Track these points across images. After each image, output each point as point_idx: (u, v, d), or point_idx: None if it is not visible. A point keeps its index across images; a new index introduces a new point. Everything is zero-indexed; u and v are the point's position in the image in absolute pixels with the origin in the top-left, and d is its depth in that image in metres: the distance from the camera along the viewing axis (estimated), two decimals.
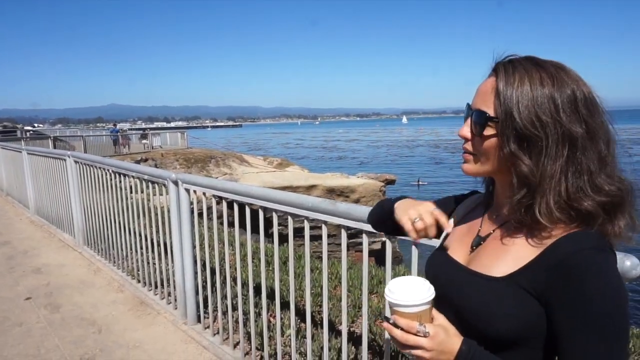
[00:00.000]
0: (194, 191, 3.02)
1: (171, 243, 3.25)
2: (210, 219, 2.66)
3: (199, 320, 3.19)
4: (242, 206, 2.59)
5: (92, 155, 5.13)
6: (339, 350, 2.25)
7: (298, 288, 3.33)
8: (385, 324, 0.84)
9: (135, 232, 3.83)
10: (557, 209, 0.76)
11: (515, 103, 0.77)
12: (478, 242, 0.92)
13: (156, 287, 3.64)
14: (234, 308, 2.88)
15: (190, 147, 26.83)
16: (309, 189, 22.60)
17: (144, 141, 25.88)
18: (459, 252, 0.94)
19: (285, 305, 2.69)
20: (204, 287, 3.10)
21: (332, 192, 22.61)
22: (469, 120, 0.85)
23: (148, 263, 3.71)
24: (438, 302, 0.85)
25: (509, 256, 0.82)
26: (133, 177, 3.68)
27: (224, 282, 3.02)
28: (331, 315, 2.93)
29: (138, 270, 3.88)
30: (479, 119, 0.82)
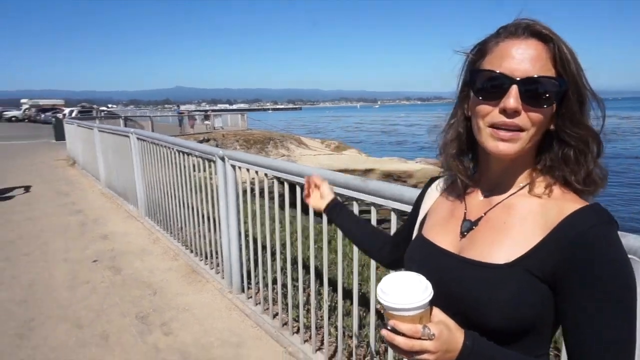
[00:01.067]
0: (239, 167, 3.16)
1: (219, 216, 3.44)
2: (261, 196, 2.78)
3: (242, 290, 3.37)
4: (292, 185, 2.68)
5: (151, 133, 5.47)
6: (367, 326, 2.31)
7: (332, 263, 3.41)
8: (384, 332, 0.72)
9: (189, 206, 4.08)
10: (592, 176, 0.76)
11: (574, 62, 0.73)
12: (469, 227, 0.84)
13: (207, 257, 3.87)
14: (275, 282, 3.01)
15: (249, 129, 27.55)
16: (365, 172, 22.55)
17: (206, 122, 26.93)
18: (445, 239, 0.87)
19: (322, 280, 2.78)
20: (249, 260, 3.27)
21: (389, 177, 22.40)
22: (515, 91, 0.72)
23: (200, 235, 3.95)
24: (435, 296, 0.75)
25: (509, 240, 0.77)
26: (185, 152, 3.91)
27: (273, 256, 3.16)
28: (363, 291, 2.99)
29: (191, 241, 4.15)
30: (548, 86, 0.72)
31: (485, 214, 0.83)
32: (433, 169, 22.58)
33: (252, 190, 2.98)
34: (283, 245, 3.10)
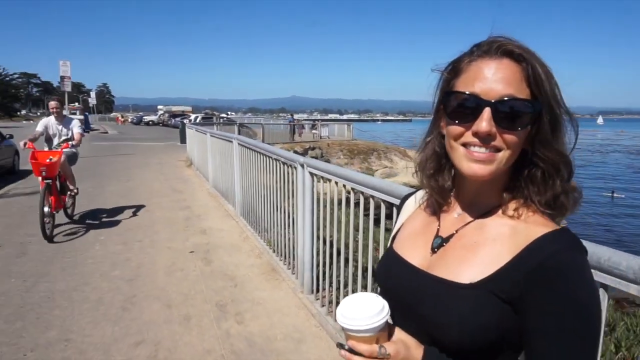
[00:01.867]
0: (317, 175, 3.34)
1: (296, 220, 3.66)
2: (340, 205, 2.92)
3: (312, 291, 3.54)
4: (367, 197, 2.77)
5: (250, 139, 5.94)
6: None
7: None
8: (342, 353, 0.74)
9: (274, 208, 4.38)
10: (560, 199, 0.75)
11: (548, 83, 0.72)
12: (440, 243, 0.83)
13: (285, 258, 4.13)
14: (345, 285, 3.12)
15: (355, 139, 28.00)
16: None
17: (313, 131, 27.98)
18: (414, 255, 0.86)
19: None
20: (320, 264, 3.43)
21: None
22: (488, 114, 0.71)
23: (282, 236, 4.22)
24: (399, 312, 0.81)
25: (477, 259, 0.76)
26: (273, 158, 4.22)
27: (345, 263, 3.28)
28: None
29: (274, 242, 4.44)
30: (521, 109, 0.71)
31: (457, 231, 0.82)
32: None
33: (333, 198, 3.13)
34: (356, 253, 3.20)
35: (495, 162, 0.73)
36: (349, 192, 2.87)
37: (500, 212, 0.79)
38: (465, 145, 0.74)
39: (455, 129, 0.75)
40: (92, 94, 54.20)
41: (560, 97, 0.75)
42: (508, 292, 0.71)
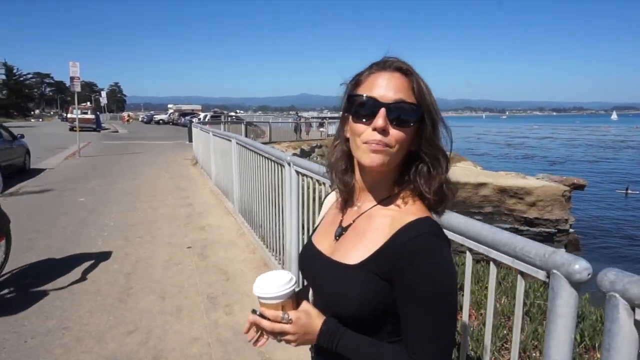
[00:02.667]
0: (302, 174, 3.49)
1: (284, 215, 3.82)
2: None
3: (298, 284, 3.69)
4: None
5: (246, 139, 6.12)
6: None
7: None
8: (251, 317, 0.93)
9: (267, 205, 4.54)
10: (443, 188, 0.91)
11: (428, 93, 0.90)
12: (340, 232, 1.00)
13: (277, 252, 4.29)
14: None
15: None
16: (477, 186, 21.43)
17: (321, 129, 28.12)
18: (324, 243, 1.02)
19: None
20: None
21: (504, 192, 20.98)
22: (383, 113, 0.86)
23: (273, 232, 4.38)
24: (313, 291, 1.03)
25: (362, 244, 0.92)
26: (264, 157, 4.38)
27: None
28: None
29: (267, 238, 4.61)
30: (408, 111, 0.87)
31: (353, 221, 0.98)
32: (556, 187, 20.64)
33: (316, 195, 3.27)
34: None
35: (388, 154, 0.88)
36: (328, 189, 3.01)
37: (387, 202, 0.95)
38: (366, 142, 0.88)
39: (359, 127, 0.89)
40: (103, 94, 54.99)
41: (437, 107, 0.92)
42: (384, 270, 0.87)
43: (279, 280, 0.91)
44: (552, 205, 20.01)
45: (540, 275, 1.28)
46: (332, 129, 28.09)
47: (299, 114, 33.56)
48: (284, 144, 21.64)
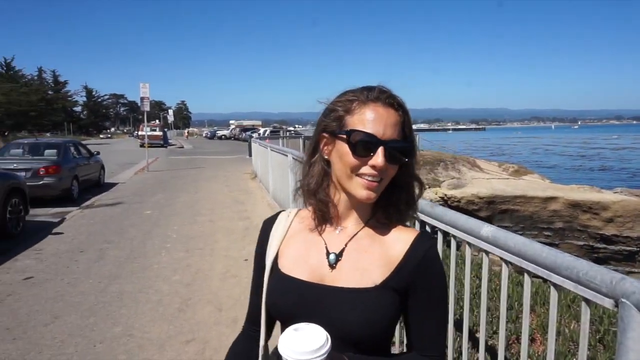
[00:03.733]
0: None
1: None
2: None
3: None
4: None
5: (301, 154, 6.18)
6: None
7: None
8: None
9: None
10: (415, 209, 1.01)
11: (411, 129, 0.95)
12: (335, 259, 0.93)
13: None
14: None
15: (421, 150, 27.54)
16: (546, 200, 20.30)
17: None
18: (308, 273, 0.93)
19: None
20: None
21: (577, 207, 19.68)
22: (383, 152, 0.87)
23: None
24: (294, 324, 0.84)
25: (374, 265, 0.91)
26: None
27: None
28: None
29: None
30: (402, 149, 0.90)
31: (346, 245, 0.94)
32: (636, 202, 19.06)
33: None
34: None
35: (379, 188, 0.91)
36: None
37: (374, 223, 0.98)
38: (359, 175, 0.89)
39: (355, 160, 0.89)
40: (170, 112, 58.25)
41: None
42: (403, 284, 0.91)
43: (315, 343, 0.74)
44: (632, 221, 18.46)
45: (607, 303, 1.16)
46: None
47: None
48: None
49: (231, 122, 63.72)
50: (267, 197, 8.92)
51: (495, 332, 2.82)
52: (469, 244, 1.86)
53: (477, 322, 2.55)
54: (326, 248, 0.95)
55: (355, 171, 0.89)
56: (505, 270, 1.64)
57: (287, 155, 6.32)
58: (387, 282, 0.90)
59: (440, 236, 2.11)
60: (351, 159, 0.89)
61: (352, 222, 0.97)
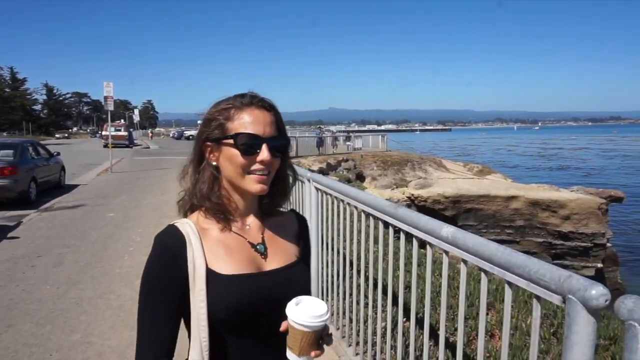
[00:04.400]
0: (322, 191, 3.48)
1: None
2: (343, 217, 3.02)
3: None
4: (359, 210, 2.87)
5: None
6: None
7: (407, 287, 3.47)
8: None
9: None
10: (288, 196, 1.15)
11: (284, 127, 1.09)
12: (263, 248, 1.04)
13: None
14: (350, 295, 3.22)
15: (389, 150, 27.94)
16: (508, 199, 20.98)
17: (347, 143, 28.14)
18: (249, 267, 1.00)
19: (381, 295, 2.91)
20: (326, 274, 3.55)
21: (536, 205, 20.45)
22: (266, 147, 0.97)
23: None
24: (260, 316, 0.97)
25: (287, 244, 1.11)
26: None
27: (354, 274, 3.38)
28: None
29: None
30: (285, 143, 1.05)
31: (263, 235, 1.08)
32: (591, 200, 19.93)
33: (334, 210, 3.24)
34: (360, 261, 3.27)
35: (268, 179, 1.03)
36: (345, 206, 2.99)
37: (266, 212, 1.11)
38: (251, 172, 1.00)
39: (244, 161, 0.99)
40: (136, 111, 56.82)
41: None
42: (303, 250, 1.14)
43: (318, 309, 0.92)
44: (587, 218, 19.34)
45: (556, 299, 1.21)
46: (358, 143, 28.14)
47: (321, 128, 33.68)
48: (310, 158, 21.78)
49: (199, 122, 62.65)
50: None
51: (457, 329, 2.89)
52: (430, 245, 1.89)
53: (441, 319, 2.61)
54: (249, 242, 1.05)
55: (246, 169, 0.99)
56: (463, 269, 1.69)
57: None
58: (300, 253, 1.12)
59: (402, 237, 2.15)
60: (241, 160, 0.98)
61: (252, 215, 1.08)
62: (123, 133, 32.87)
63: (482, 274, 1.55)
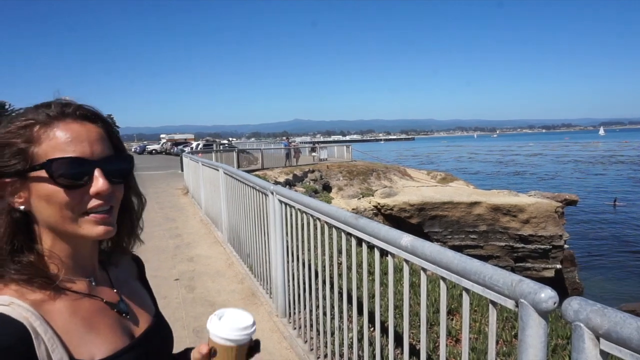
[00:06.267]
0: (285, 204, 3.48)
1: (269, 244, 3.79)
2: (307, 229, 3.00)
3: (285, 315, 3.63)
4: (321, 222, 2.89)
5: (232, 168, 6.09)
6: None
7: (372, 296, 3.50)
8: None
9: (254, 234, 4.50)
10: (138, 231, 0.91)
11: (119, 140, 0.82)
12: (124, 308, 0.83)
13: (264, 282, 4.23)
14: (317, 307, 3.21)
15: (354, 160, 28.22)
16: (471, 205, 21.54)
17: (313, 154, 28.25)
18: (120, 337, 0.78)
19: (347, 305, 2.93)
20: (294, 287, 3.53)
21: (497, 211, 21.08)
22: (100, 172, 0.72)
23: (261, 261, 4.33)
24: None
25: (143, 296, 0.94)
26: (250, 186, 4.38)
27: (320, 285, 3.37)
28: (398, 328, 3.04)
29: (255, 267, 4.55)
30: (127, 166, 0.79)
31: (118, 292, 0.84)
32: (548, 203, 20.75)
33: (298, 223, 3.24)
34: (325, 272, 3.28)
35: (113, 217, 0.77)
36: (308, 218, 3.00)
37: (107, 258, 0.88)
38: (85, 213, 0.73)
39: (70, 196, 0.71)
40: None
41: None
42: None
43: (243, 321, 0.81)
44: (545, 221, 20.10)
45: (509, 304, 1.26)
46: (323, 154, 28.28)
47: (289, 139, 33.73)
48: (277, 170, 21.69)
49: (162, 136, 61.43)
50: (200, 213, 8.67)
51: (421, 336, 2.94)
52: (391, 254, 1.93)
53: (410, 328, 2.63)
54: (107, 303, 0.80)
55: (77, 210, 0.72)
56: (424, 277, 1.73)
57: (218, 170, 6.20)
58: (153, 301, 0.97)
59: (364, 247, 2.18)
60: (64, 197, 0.71)
61: (90, 266, 0.81)
62: None
63: (441, 281, 1.60)
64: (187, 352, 0.93)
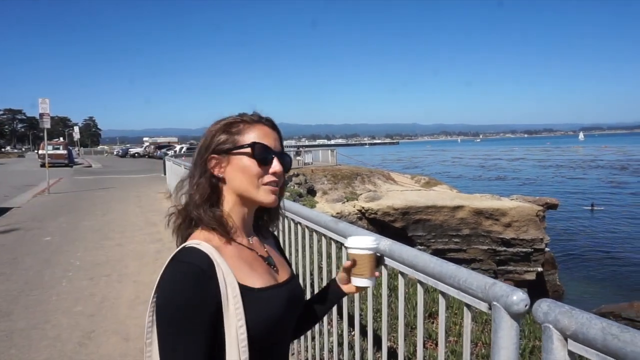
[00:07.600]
0: None
1: None
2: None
3: None
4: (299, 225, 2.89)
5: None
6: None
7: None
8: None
9: None
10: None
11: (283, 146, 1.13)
12: (272, 262, 1.08)
13: None
14: None
15: (339, 164, 28.27)
16: (454, 209, 21.73)
17: (297, 158, 28.21)
18: (270, 279, 1.02)
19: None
20: None
21: (480, 214, 21.31)
22: (277, 160, 1.03)
23: None
24: (289, 318, 1.09)
25: (281, 257, 1.18)
26: None
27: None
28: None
29: None
30: (289, 161, 1.10)
31: (266, 249, 1.11)
32: (530, 207, 21.07)
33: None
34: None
35: (279, 192, 1.07)
36: (289, 222, 3.00)
37: (259, 226, 1.15)
38: (266, 184, 1.02)
39: (260, 171, 1.01)
40: (76, 129, 54.09)
41: None
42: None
43: (371, 237, 1.20)
44: (527, 225, 20.39)
45: (483, 307, 1.28)
46: (308, 158, 28.27)
47: None
48: None
49: (145, 139, 60.71)
50: None
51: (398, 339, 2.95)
52: None
53: (391, 331, 2.66)
54: (260, 256, 1.07)
55: (260, 180, 1.01)
56: (401, 281, 1.74)
57: None
58: (290, 267, 1.19)
59: (344, 251, 2.18)
60: (257, 169, 1.00)
61: (250, 229, 1.09)
62: (62, 152, 31.19)
63: (418, 285, 1.61)
64: (329, 284, 1.25)
